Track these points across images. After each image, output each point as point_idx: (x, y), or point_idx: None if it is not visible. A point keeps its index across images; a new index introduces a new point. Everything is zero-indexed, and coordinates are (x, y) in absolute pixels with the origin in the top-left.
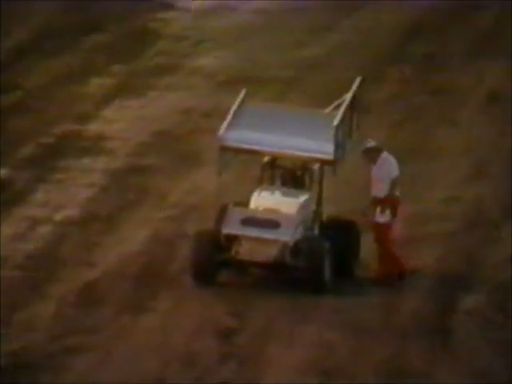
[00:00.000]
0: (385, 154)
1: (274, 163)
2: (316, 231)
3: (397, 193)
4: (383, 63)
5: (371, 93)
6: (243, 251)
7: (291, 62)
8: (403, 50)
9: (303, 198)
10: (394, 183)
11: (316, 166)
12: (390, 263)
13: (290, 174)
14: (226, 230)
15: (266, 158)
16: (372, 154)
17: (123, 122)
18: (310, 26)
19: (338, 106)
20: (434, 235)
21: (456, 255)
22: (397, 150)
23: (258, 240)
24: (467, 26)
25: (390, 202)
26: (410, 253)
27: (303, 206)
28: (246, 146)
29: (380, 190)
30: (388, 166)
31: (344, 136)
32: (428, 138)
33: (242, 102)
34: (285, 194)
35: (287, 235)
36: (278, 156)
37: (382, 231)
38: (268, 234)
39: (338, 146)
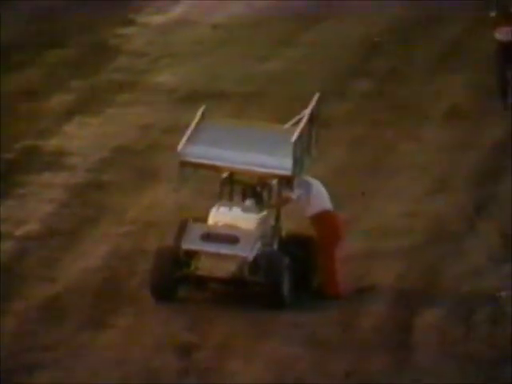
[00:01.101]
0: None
1: (232, 179)
2: (275, 247)
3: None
4: (344, 78)
5: (332, 108)
6: (202, 267)
7: (251, 77)
8: (364, 64)
9: (262, 213)
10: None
11: (274, 182)
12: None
13: (250, 190)
14: (185, 246)
15: (224, 174)
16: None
17: (83, 138)
18: (270, 40)
19: (297, 122)
20: (394, 250)
21: (417, 269)
22: (358, 164)
23: (217, 255)
24: (429, 40)
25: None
26: (370, 267)
27: (262, 222)
28: (205, 162)
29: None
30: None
31: (303, 152)
32: (390, 153)
33: (202, 117)
34: (244, 210)
35: (246, 251)
36: (237, 171)
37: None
38: (227, 250)
39: (297, 162)
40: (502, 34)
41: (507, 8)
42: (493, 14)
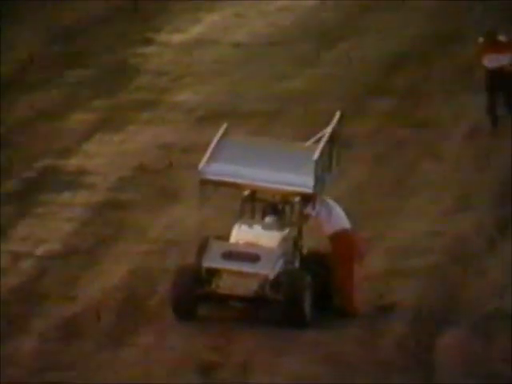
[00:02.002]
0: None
1: (254, 196)
2: (296, 264)
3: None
4: (366, 96)
5: (353, 126)
6: (224, 285)
7: (272, 96)
8: (386, 83)
9: (284, 231)
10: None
11: (296, 200)
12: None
13: (271, 208)
14: (206, 264)
15: (246, 192)
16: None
17: (103, 157)
18: (291, 58)
19: (319, 140)
20: (416, 268)
21: (438, 288)
22: (379, 183)
23: (238, 273)
24: (450, 58)
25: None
26: (391, 286)
27: (284, 240)
28: (226, 179)
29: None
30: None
31: (324, 170)
32: (411, 172)
33: (223, 135)
34: (265, 228)
35: (267, 269)
36: (258, 189)
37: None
38: (248, 268)
39: (318, 180)
40: (489, 61)
41: (494, 35)
42: (480, 40)
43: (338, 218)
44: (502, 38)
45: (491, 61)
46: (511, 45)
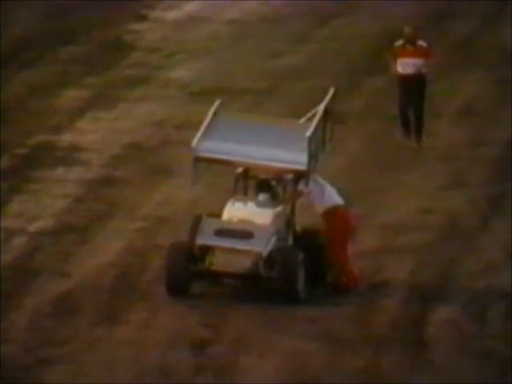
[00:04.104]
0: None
1: (247, 174)
2: (290, 242)
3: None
4: (359, 73)
5: (346, 103)
6: (217, 262)
7: (265, 72)
8: (379, 59)
9: (277, 208)
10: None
11: (289, 177)
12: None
13: (264, 184)
14: (199, 241)
15: (239, 169)
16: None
17: (96, 134)
18: (284, 36)
19: (312, 117)
20: (408, 245)
21: (431, 265)
22: (372, 160)
23: (231, 251)
24: (442, 36)
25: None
26: (384, 263)
27: (277, 217)
28: (219, 157)
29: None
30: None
31: (317, 147)
32: (403, 149)
33: (216, 112)
34: (258, 205)
35: (261, 246)
36: (252, 166)
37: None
38: (242, 245)
39: (312, 157)
40: (403, 67)
41: (415, 39)
42: (398, 43)
43: (331, 195)
44: (421, 42)
45: (405, 66)
46: (425, 49)
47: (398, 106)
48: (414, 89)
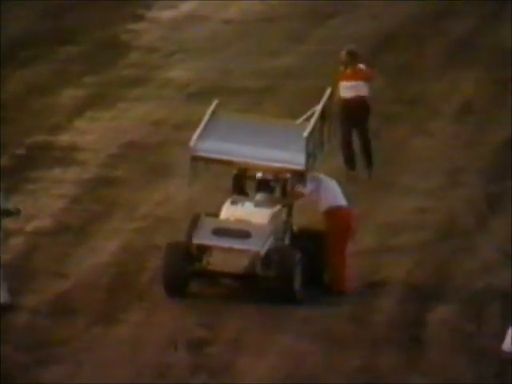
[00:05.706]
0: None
1: (245, 174)
2: (287, 241)
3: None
4: None
5: None
6: (214, 262)
7: (263, 72)
8: (377, 59)
9: (274, 208)
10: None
11: (287, 177)
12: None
13: (262, 185)
14: (197, 241)
15: (237, 169)
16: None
17: (94, 133)
18: (282, 35)
19: (310, 117)
20: (406, 245)
21: (428, 265)
22: None
23: (229, 250)
24: (442, 35)
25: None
26: (382, 262)
27: (274, 217)
28: (217, 157)
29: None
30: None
31: (315, 147)
32: (401, 148)
33: (214, 112)
34: (256, 205)
35: (258, 245)
36: (249, 166)
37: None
38: (239, 245)
39: (309, 157)
40: (343, 90)
41: (353, 62)
42: (341, 68)
43: (330, 194)
44: (361, 66)
45: (348, 90)
46: (365, 72)
47: (341, 134)
48: (355, 113)
